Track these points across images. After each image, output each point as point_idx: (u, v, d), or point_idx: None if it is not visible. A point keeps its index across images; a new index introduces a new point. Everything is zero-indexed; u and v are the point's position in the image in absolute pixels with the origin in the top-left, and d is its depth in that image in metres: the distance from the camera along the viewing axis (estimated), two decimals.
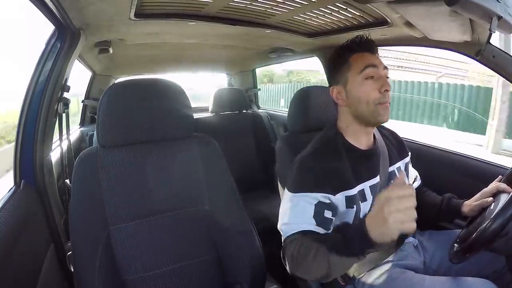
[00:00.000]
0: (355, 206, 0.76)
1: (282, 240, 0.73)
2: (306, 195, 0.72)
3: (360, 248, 0.59)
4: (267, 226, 1.24)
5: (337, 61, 0.82)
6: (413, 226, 0.53)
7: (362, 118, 0.79)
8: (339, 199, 0.75)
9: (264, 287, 0.85)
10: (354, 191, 0.76)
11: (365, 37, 0.81)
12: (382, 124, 0.83)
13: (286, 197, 0.76)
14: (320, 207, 0.71)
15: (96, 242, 0.73)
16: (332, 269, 0.62)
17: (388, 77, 0.78)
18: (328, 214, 0.72)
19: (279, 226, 0.75)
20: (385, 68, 0.78)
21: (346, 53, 0.80)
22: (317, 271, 0.64)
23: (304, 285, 0.94)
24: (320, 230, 0.70)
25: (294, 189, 0.75)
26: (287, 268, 0.70)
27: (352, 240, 0.60)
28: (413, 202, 0.54)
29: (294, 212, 0.72)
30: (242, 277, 0.81)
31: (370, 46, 0.80)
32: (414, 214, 0.54)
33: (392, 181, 0.83)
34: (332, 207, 0.73)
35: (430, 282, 0.71)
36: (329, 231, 0.72)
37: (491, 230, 0.62)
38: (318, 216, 0.71)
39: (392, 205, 0.53)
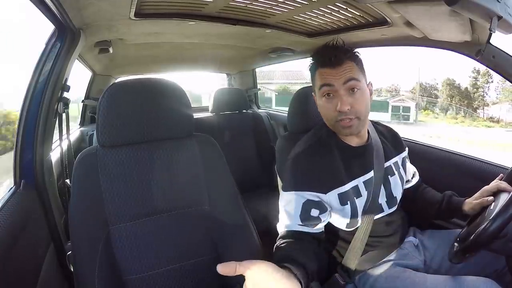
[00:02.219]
0: (349, 202, 0.77)
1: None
2: (295, 193, 0.75)
3: None
4: (267, 226, 1.24)
5: (310, 71, 0.82)
6: None
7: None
8: (331, 197, 0.76)
9: None
10: (346, 187, 0.78)
11: (327, 47, 0.78)
12: (379, 121, 0.84)
13: (280, 195, 0.79)
14: (307, 206, 0.73)
15: (96, 242, 0.73)
16: None
17: (354, 89, 0.74)
18: (314, 212, 0.73)
19: (277, 226, 0.77)
20: (348, 81, 0.74)
21: (313, 65, 0.80)
22: None
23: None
24: (304, 229, 0.72)
25: (287, 188, 0.77)
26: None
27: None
28: None
29: (284, 210, 0.75)
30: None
31: (332, 59, 0.75)
32: None
33: (389, 176, 0.84)
34: (320, 205, 0.75)
35: (432, 281, 0.71)
36: (315, 229, 0.74)
37: (491, 230, 0.62)
38: (304, 214, 0.73)
39: None
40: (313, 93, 0.85)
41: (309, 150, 0.81)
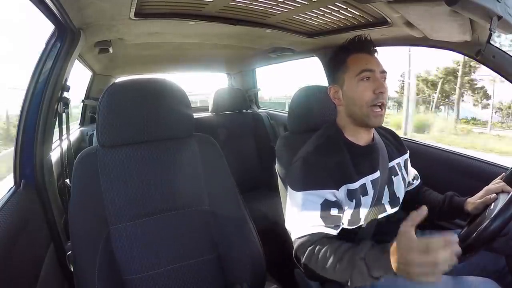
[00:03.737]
0: (355, 199, 0.77)
1: (292, 240, 0.74)
2: (312, 193, 0.73)
3: (379, 273, 0.59)
4: (267, 226, 1.25)
5: (335, 61, 0.84)
6: (434, 279, 0.51)
7: (355, 119, 0.81)
8: (342, 192, 0.76)
9: (264, 286, 0.85)
10: (356, 185, 0.78)
11: (363, 38, 0.81)
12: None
13: (291, 195, 0.77)
14: (326, 206, 0.72)
15: (96, 242, 0.73)
16: (353, 282, 0.62)
17: (385, 79, 0.79)
18: (334, 211, 0.73)
19: (287, 226, 0.76)
20: (383, 72, 0.79)
21: (344, 54, 0.82)
22: (339, 278, 0.65)
23: (304, 285, 0.94)
24: (330, 231, 0.72)
25: (299, 187, 0.75)
26: (304, 269, 0.71)
27: (373, 266, 0.60)
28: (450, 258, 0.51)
29: (302, 211, 0.73)
30: (242, 277, 0.81)
31: (367, 47, 0.80)
32: (442, 268, 0.50)
33: (392, 176, 0.84)
34: (338, 204, 0.74)
35: None
36: (339, 228, 0.74)
37: (491, 230, 0.63)
38: (325, 216, 0.72)
39: (425, 257, 0.51)
40: (328, 87, 0.85)
41: (319, 148, 0.81)
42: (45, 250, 0.83)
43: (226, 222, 0.85)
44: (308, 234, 0.71)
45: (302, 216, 0.73)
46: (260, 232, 0.87)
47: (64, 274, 0.87)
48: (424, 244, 0.52)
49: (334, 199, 0.74)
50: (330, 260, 0.65)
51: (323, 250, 0.67)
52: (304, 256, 0.70)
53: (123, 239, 0.77)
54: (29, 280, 0.69)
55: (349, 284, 0.63)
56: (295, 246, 0.73)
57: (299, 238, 0.72)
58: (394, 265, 0.56)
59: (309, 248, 0.69)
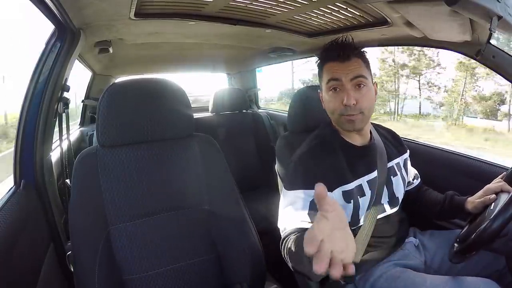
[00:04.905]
0: (352, 201, 0.77)
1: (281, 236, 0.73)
2: (301, 192, 0.73)
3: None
4: (267, 226, 1.24)
5: (318, 68, 0.84)
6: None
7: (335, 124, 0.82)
8: (336, 195, 0.76)
9: (264, 286, 0.85)
10: (351, 185, 0.78)
11: (337, 42, 0.79)
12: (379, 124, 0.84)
13: (284, 194, 0.78)
14: (315, 204, 0.71)
15: (96, 242, 0.73)
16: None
17: (361, 85, 0.76)
18: None
19: (278, 225, 0.76)
20: (354, 78, 0.75)
21: (321, 61, 0.82)
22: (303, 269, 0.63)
23: (304, 284, 0.94)
24: None
25: (290, 186, 0.76)
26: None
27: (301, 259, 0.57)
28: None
29: (290, 209, 0.73)
30: (242, 277, 0.81)
31: (339, 54, 0.76)
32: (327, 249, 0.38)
33: (391, 176, 0.84)
34: None
35: (432, 281, 0.71)
36: None
37: (491, 230, 0.62)
38: (313, 214, 0.71)
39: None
40: (318, 91, 0.86)
41: (314, 149, 0.81)
42: (45, 250, 0.83)
43: (226, 222, 0.85)
44: (292, 229, 0.70)
45: (290, 214, 0.72)
46: (260, 232, 0.87)
47: (64, 274, 0.87)
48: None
49: None
50: (289, 247, 0.64)
51: (292, 242, 0.65)
52: (285, 251, 0.67)
53: (123, 239, 0.77)
54: (29, 280, 0.69)
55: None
56: (281, 242, 0.72)
57: (285, 234, 0.71)
58: None
59: (288, 242, 0.67)
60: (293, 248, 0.62)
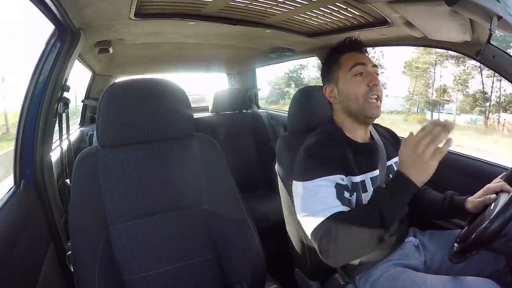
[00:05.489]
0: (355, 194, 0.77)
1: (309, 232, 0.70)
2: (322, 179, 0.72)
3: (407, 194, 0.63)
4: (267, 226, 1.25)
5: (329, 62, 0.87)
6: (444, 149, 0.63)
7: (352, 114, 0.83)
8: (346, 181, 0.76)
9: (264, 287, 0.85)
10: (357, 179, 0.79)
11: (354, 38, 0.86)
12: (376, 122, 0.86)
13: (299, 187, 0.75)
14: (339, 189, 0.72)
15: (96, 242, 0.73)
16: (386, 222, 0.64)
17: (378, 74, 0.82)
18: (347, 194, 0.74)
19: (300, 218, 0.73)
20: (375, 66, 0.82)
21: (337, 54, 0.85)
22: (369, 236, 0.65)
23: (304, 285, 0.94)
24: (347, 210, 0.71)
25: (308, 177, 0.74)
26: (328, 259, 0.67)
27: (398, 190, 0.64)
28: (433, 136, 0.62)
29: (316, 199, 0.71)
30: (242, 277, 0.81)
31: (358, 46, 0.85)
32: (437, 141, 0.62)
33: (390, 175, 0.85)
34: (348, 188, 0.75)
35: (431, 281, 0.71)
36: None
37: (491, 230, 0.62)
38: (341, 196, 0.71)
39: (422, 144, 0.61)
40: (324, 87, 0.88)
41: (321, 141, 0.81)
42: (45, 250, 0.83)
43: (226, 222, 0.85)
44: (326, 219, 0.67)
45: (317, 203, 0.70)
46: (260, 232, 0.87)
47: (64, 274, 0.87)
48: (411, 137, 0.64)
49: (344, 183, 0.74)
50: (356, 217, 0.66)
51: (343, 220, 0.66)
52: (331, 238, 0.64)
53: (123, 239, 0.77)
54: (29, 280, 0.69)
55: (379, 229, 0.64)
56: (314, 237, 0.68)
57: (318, 225, 0.67)
58: (407, 171, 0.63)
59: (332, 228, 0.65)
60: (364, 212, 0.67)
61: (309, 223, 0.70)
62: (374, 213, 0.64)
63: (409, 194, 0.64)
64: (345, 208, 0.70)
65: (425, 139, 0.61)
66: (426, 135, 0.61)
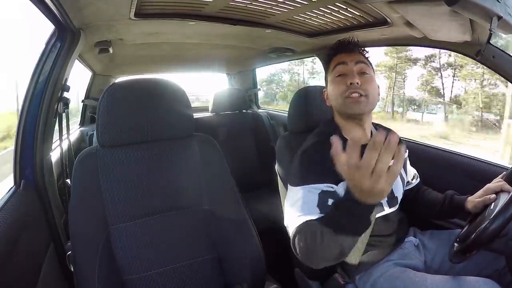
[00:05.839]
0: None
1: (290, 236, 0.72)
2: (309, 187, 0.73)
3: (360, 215, 0.59)
4: (267, 226, 1.24)
5: (325, 66, 0.90)
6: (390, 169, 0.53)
7: (341, 114, 0.85)
8: (341, 189, 0.75)
9: (264, 287, 0.85)
10: None
11: (344, 40, 0.87)
12: (378, 123, 0.87)
13: (290, 191, 0.77)
14: (323, 196, 0.72)
15: (96, 242, 0.73)
16: (343, 245, 0.62)
17: (365, 73, 0.81)
18: (330, 202, 0.72)
19: (285, 222, 0.75)
20: (360, 62, 0.82)
21: (329, 58, 0.88)
22: (330, 253, 0.64)
23: (304, 285, 0.94)
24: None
25: (297, 183, 0.76)
26: (302, 260, 0.69)
27: (347, 211, 0.59)
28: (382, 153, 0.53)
29: (299, 205, 0.72)
30: (242, 277, 0.81)
31: (347, 47, 0.85)
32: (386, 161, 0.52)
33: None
34: (335, 195, 0.74)
35: (432, 281, 0.71)
36: None
37: (491, 230, 0.62)
38: (323, 204, 0.71)
39: (365, 164, 0.53)
40: (324, 90, 0.90)
41: (318, 144, 0.81)
42: (45, 250, 0.83)
43: (226, 222, 0.85)
44: (302, 223, 0.69)
45: (300, 209, 0.72)
46: (260, 232, 0.87)
47: (64, 274, 0.87)
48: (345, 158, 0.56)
49: (331, 189, 0.74)
50: (318, 233, 0.64)
51: (310, 231, 0.66)
52: (299, 244, 0.67)
53: (123, 239, 0.77)
54: (29, 280, 0.69)
55: (340, 248, 0.62)
56: (291, 239, 0.72)
57: (295, 231, 0.70)
58: (358, 193, 0.57)
59: (302, 234, 0.68)
60: (322, 229, 0.63)
61: (289, 227, 0.73)
62: (331, 236, 0.62)
63: (363, 216, 0.59)
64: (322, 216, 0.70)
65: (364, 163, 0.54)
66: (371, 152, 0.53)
